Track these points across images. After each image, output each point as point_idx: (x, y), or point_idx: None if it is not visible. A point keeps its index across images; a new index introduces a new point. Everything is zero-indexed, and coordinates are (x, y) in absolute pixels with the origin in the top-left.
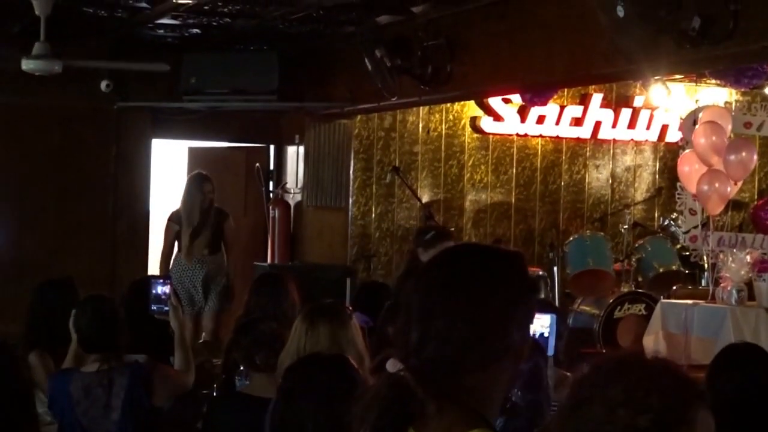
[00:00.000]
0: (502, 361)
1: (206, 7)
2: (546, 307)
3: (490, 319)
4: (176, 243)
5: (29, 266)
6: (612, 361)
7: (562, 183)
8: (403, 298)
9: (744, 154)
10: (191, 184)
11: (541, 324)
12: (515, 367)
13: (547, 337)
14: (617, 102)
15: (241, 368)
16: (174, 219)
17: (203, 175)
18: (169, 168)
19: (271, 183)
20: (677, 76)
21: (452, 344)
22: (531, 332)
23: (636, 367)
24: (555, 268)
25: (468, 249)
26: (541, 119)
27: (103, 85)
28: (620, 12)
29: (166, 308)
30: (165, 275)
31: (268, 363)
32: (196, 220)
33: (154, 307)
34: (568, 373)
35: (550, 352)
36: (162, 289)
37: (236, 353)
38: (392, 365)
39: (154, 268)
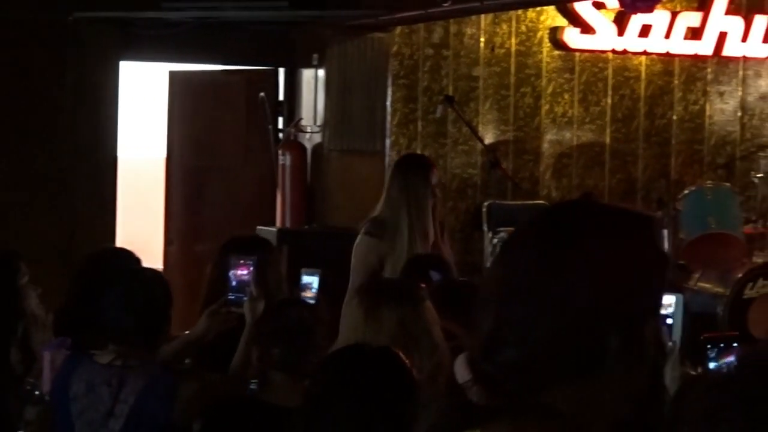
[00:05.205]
0: (616, 365)
1: None
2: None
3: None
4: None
5: None
6: (755, 358)
7: (674, 117)
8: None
9: None
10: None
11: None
12: (637, 374)
13: (671, 325)
14: (749, 7)
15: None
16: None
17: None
18: (143, 99)
19: (280, 119)
20: None
21: (538, 340)
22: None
23: None
24: (665, 232)
25: (576, 207)
26: (645, 30)
27: None
28: None
29: (245, 298)
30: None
31: (287, 361)
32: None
33: (231, 296)
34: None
35: (676, 341)
36: (241, 273)
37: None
38: (462, 367)
39: (123, 232)
